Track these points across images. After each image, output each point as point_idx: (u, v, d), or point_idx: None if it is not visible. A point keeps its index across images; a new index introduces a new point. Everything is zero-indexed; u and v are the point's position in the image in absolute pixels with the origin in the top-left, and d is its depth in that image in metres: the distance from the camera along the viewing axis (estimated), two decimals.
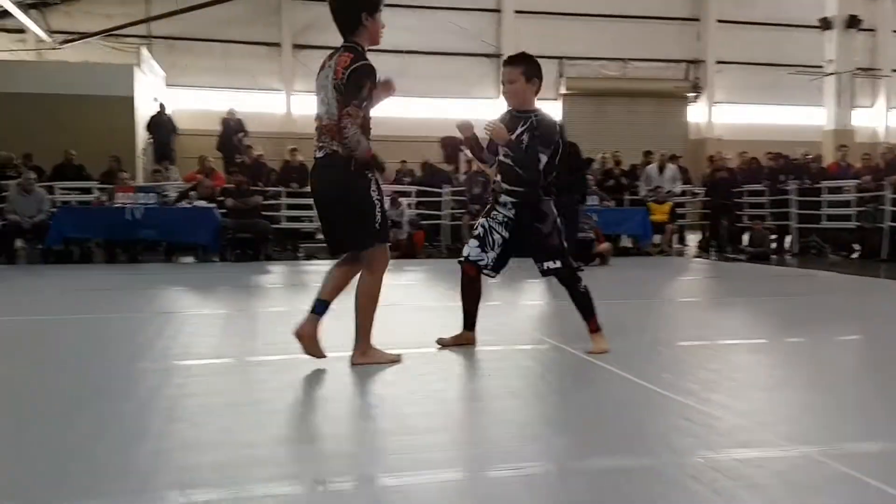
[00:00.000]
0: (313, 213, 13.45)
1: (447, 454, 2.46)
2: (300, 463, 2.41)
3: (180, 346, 4.40)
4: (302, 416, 3.06)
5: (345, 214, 3.60)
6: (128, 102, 15.02)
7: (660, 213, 12.46)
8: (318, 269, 9.89)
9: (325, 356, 3.72)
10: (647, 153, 14.20)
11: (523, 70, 4.00)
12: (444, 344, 4.20)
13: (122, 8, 18.31)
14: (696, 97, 21.84)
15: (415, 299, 6.80)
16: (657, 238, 12.51)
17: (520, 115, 4.02)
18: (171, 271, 9.85)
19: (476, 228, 4.20)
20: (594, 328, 4.05)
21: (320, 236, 13.88)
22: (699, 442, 2.57)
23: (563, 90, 20.83)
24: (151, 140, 15.46)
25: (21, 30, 17.56)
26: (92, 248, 11.01)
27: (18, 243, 10.77)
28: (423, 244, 12.51)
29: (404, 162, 15.20)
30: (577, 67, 20.89)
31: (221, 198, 11.59)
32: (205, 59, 19.13)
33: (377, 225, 3.60)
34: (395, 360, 3.77)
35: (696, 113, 21.85)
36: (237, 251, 11.34)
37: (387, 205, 4.03)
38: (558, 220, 4.04)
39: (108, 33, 17.98)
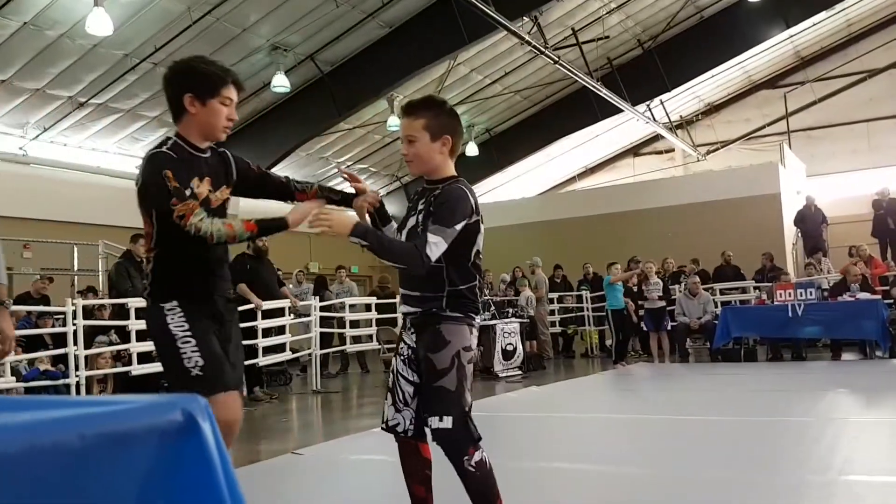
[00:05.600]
0: None
1: None
2: None
3: (844, 457, 4.19)
4: None
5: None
6: (774, 199, 15.43)
7: None
8: None
9: None
10: None
11: (426, 122, 2.63)
12: None
13: (759, 110, 19.14)
14: None
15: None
16: None
17: (430, 186, 2.70)
18: (835, 370, 9.47)
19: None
20: None
21: None
22: None
23: None
24: (799, 233, 15.42)
25: (670, 149, 19.84)
26: (755, 346, 11.28)
27: (688, 343, 11.79)
28: None
29: None
30: None
31: (886, 287, 10.79)
32: (845, 142, 18.42)
33: (189, 366, 2.50)
34: None
35: None
36: None
37: None
38: (472, 353, 2.58)
39: (748, 137, 18.94)
